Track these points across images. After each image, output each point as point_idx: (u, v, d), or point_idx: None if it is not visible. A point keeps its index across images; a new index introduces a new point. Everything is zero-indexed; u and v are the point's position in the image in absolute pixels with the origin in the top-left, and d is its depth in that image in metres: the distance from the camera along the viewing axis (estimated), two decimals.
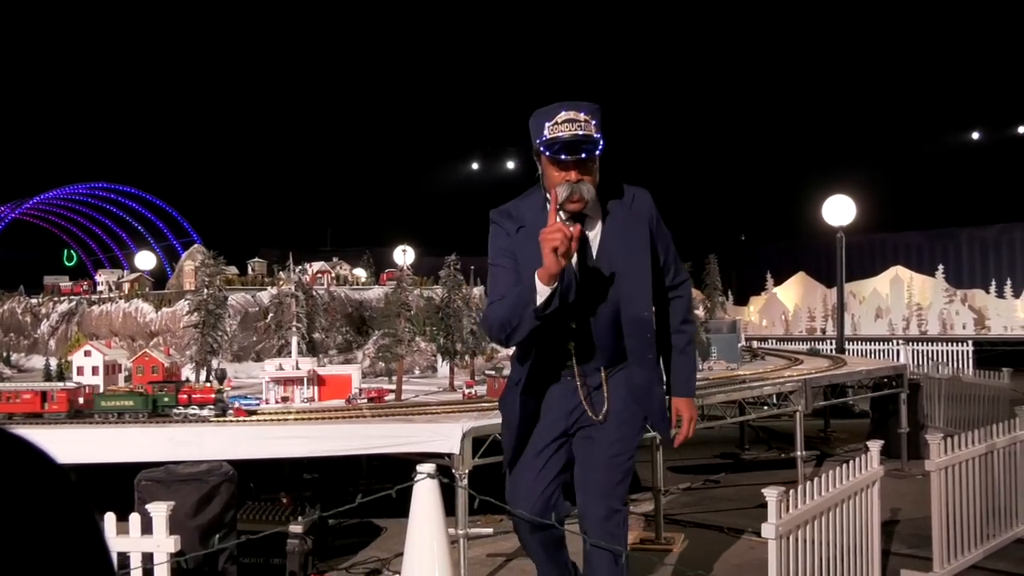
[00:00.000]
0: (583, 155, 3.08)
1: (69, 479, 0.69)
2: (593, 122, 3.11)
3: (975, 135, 26.56)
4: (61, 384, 5.53)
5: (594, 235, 3.25)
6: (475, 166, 30.52)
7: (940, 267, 21.07)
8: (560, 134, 3.07)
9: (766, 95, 26.53)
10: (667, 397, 3.45)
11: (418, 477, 3.57)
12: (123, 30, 26.43)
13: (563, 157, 3.08)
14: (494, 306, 3.23)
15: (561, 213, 3.15)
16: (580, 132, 3.07)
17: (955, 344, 17.14)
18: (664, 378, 3.43)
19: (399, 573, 4.07)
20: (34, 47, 26.53)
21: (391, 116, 28.25)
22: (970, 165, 25.49)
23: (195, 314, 6.37)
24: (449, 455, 4.73)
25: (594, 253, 3.24)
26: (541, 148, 3.13)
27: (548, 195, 3.17)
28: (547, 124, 3.11)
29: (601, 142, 3.11)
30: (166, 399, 5.30)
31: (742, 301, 23.55)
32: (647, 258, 3.25)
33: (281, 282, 8.57)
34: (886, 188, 23.33)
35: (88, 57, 26.33)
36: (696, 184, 27.84)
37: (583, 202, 3.13)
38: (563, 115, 3.09)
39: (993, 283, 20.45)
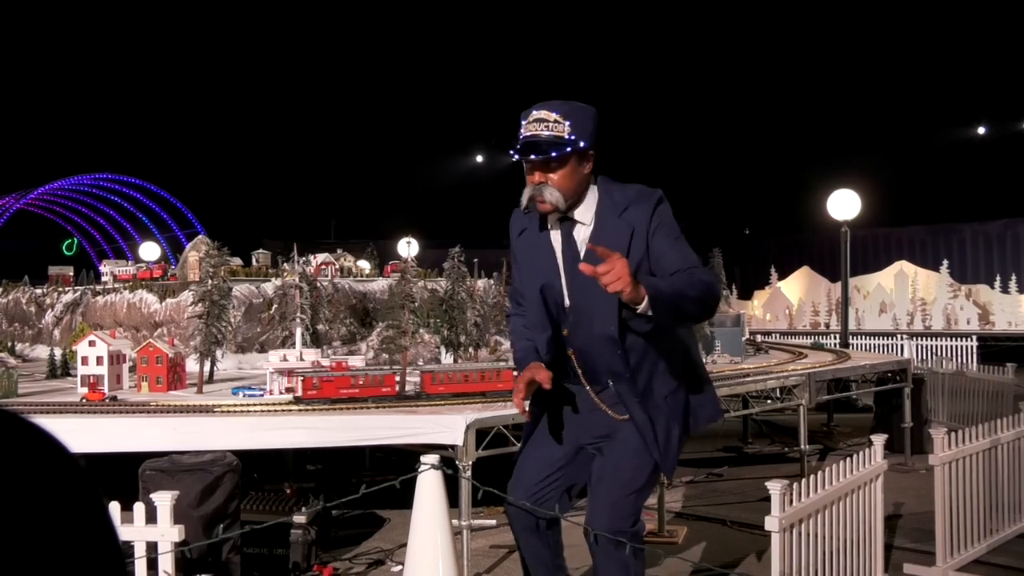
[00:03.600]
0: (532, 157, 2.98)
1: (80, 466, 0.69)
2: (567, 123, 2.99)
3: (980, 130, 26.47)
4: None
5: (581, 240, 3.12)
6: (479, 158, 30.48)
7: (944, 262, 21.01)
8: (526, 134, 3.01)
9: (771, 89, 26.47)
10: (674, 430, 3.19)
11: (422, 468, 3.57)
12: (128, 22, 26.43)
13: (516, 158, 3.04)
14: (512, 321, 3.43)
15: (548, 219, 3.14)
16: (544, 132, 2.98)
17: (959, 339, 17.11)
18: (668, 402, 3.18)
19: (402, 564, 4.07)
20: (39, 38, 26.54)
21: (395, 108, 28.23)
22: (975, 160, 25.40)
23: (199, 305, 6.38)
24: (453, 447, 4.73)
25: (580, 258, 3.07)
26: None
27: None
28: (523, 123, 3.05)
29: (569, 145, 2.97)
30: None
31: (746, 295, 23.51)
32: None
33: (285, 273, 8.57)
34: (890, 182, 23.26)
35: (92, 48, 26.33)
36: (700, 178, 27.79)
37: (547, 204, 3.04)
38: (534, 115, 3.02)
39: (997, 278, 20.39)
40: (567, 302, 3.17)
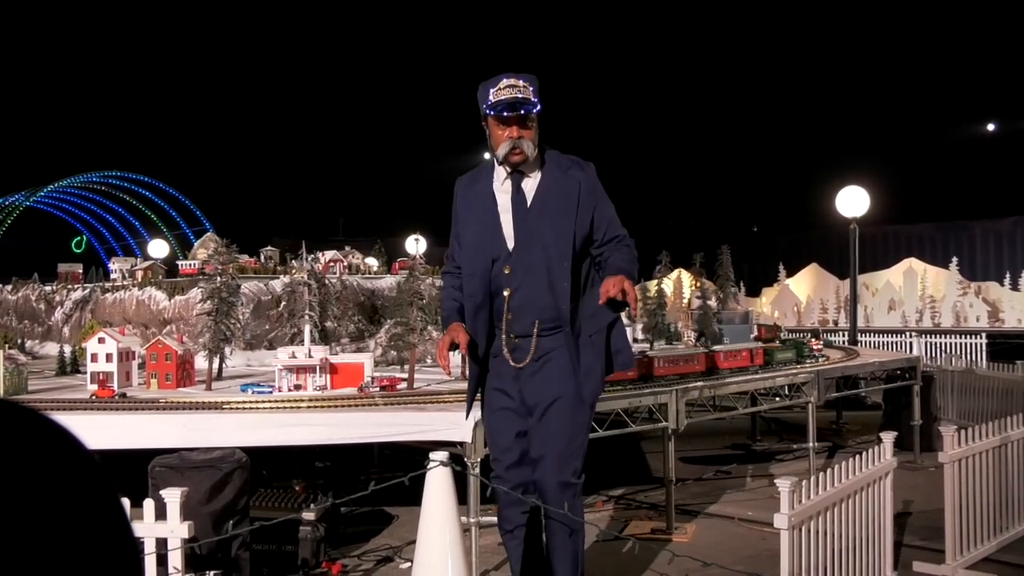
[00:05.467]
0: (522, 111, 3.56)
1: (95, 461, 0.69)
2: (531, 88, 3.60)
3: (990, 126, 26.36)
4: (759, 344, 7.53)
5: (529, 189, 3.69)
6: (486, 155, 30.47)
7: (954, 259, 20.90)
8: (503, 97, 3.57)
9: (779, 85, 26.40)
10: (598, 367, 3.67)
11: (431, 465, 3.57)
12: (137, 20, 26.48)
13: (505, 114, 3.56)
14: (445, 279, 4.02)
15: (507, 166, 3.68)
16: (519, 95, 3.56)
17: (968, 336, 17.04)
18: (594, 341, 3.64)
19: (411, 561, 4.08)
20: (47, 36, 26.61)
21: (403, 106, 28.25)
22: (985, 157, 25.29)
23: (208, 302, 6.39)
24: (461, 443, 4.74)
25: (528, 204, 3.67)
26: (487, 111, 3.61)
27: (494, 155, 3.70)
28: (491, 90, 3.60)
29: (538, 105, 3.61)
30: (805, 350, 7.68)
31: (754, 292, 23.43)
32: (571, 216, 3.62)
33: (294, 270, 8.59)
34: (900, 179, 23.18)
35: (101, 46, 26.39)
36: (709, 175, 27.75)
37: (523, 154, 3.61)
38: (504, 82, 3.60)
39: (1007, 275, 20.28)
40: (511, 244, 3.65)
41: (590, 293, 3.66)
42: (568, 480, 3.57)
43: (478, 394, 3.89)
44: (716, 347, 7.18)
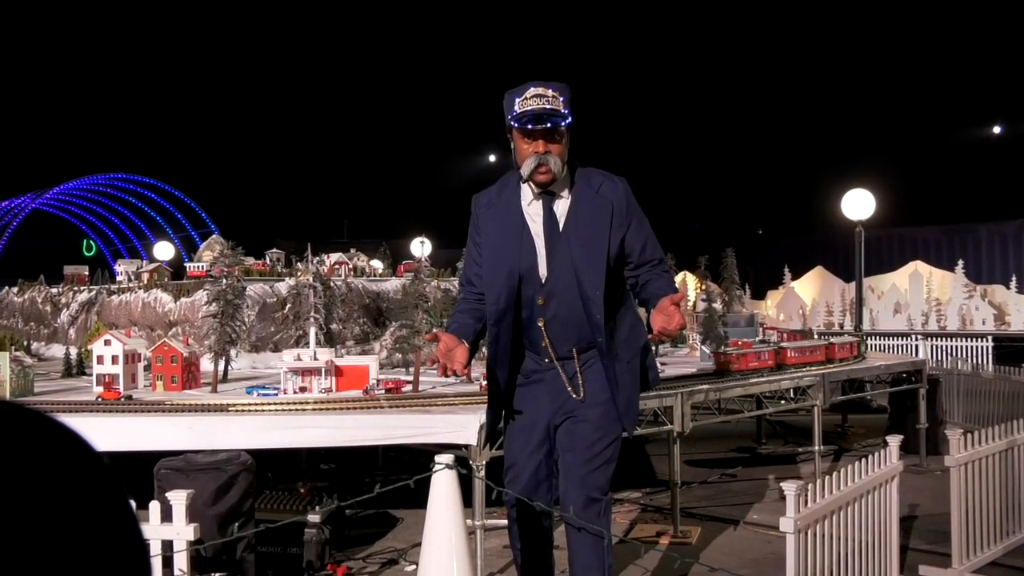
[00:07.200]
0: (548, 124, 3.23)
1: (104, 463, 0.69)
2: (561, 98, 3.27)
3: (996, 129, 26.30)
4: (856, 338, 8.54)
5: (561, 212, 3.39)
6: (492, 158, 30.47)
7: (960, 262, 20.81)
8: (529, 108, 3.24)
9: (785, 88, 26.37)
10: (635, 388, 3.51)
11: (436, 468, 3.57)
12: (141, 22, 26.53)
13: (530, 127, 3.24)
14: (459, 300, 3.68)
15: (533, 185, 3.37)
16: (548, 106, 3.24)
17: (974, 340, 16.99)
18: (631, 367, 3.48)
19: (416, 563, 4.08)
20: (52, 37, 26.67)
21: (408, 107, 28.25)
22: (991, 159, 25.23)
23: (214, 304, 6.40)
24: (466, 446, 4.74)
25: (560, 229, 3.37)
26: (512, 122, 3.30)
27: (520, 169, 3.35)
28: (517, 99, 3.29)
29: (569, 117, 3.28)
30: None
31: (759, 295, 23.37)
32: (604, 240, 3.34)
33: (299, 273, 8.59)
34: (905, 182, 23.12)
35: (107, 48, 26.45)
36: (714, 178, 27.72)
37: (550, 173, 3.29)
38: (532, 91, 3.27)
39: (1013, 278, 20.21)
40: (543, 271, 3.38)
41: (624, 316, 3.49)
42: (592, 495, 3.35)
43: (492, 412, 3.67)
44: (832, 339, 8.13)
